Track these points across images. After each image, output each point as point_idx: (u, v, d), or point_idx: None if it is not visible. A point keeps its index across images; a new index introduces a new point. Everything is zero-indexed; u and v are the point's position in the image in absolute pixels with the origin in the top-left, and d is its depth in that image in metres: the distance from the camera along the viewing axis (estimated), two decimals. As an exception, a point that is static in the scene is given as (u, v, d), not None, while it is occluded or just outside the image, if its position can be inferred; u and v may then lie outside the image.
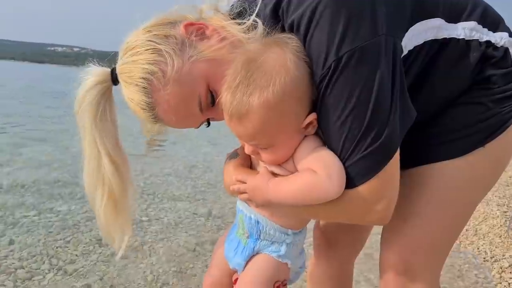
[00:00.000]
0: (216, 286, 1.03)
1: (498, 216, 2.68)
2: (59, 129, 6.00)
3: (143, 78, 0.80)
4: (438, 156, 0.87)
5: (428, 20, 0.81)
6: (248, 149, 0.83)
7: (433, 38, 0.82)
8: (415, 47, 0.80)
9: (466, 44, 0.83)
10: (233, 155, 0.94)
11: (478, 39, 0.84)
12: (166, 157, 4.84)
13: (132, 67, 0.82)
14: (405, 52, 0.79)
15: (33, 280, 1.97)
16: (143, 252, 2.34)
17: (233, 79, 0.75)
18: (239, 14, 0.86)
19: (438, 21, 0.82)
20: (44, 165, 3.98)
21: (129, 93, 0.83)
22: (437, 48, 0.82)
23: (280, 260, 0.90)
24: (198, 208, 3.11)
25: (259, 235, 0.91)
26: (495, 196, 3.03)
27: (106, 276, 2.06)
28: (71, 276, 2.03)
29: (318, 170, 0.75)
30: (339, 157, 0.76)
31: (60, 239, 2.41)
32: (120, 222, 0.92)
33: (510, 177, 3.60)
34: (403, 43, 0.77)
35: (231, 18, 0.87)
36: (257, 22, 0.83)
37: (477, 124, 0.85)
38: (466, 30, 0.83)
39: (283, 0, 0.78)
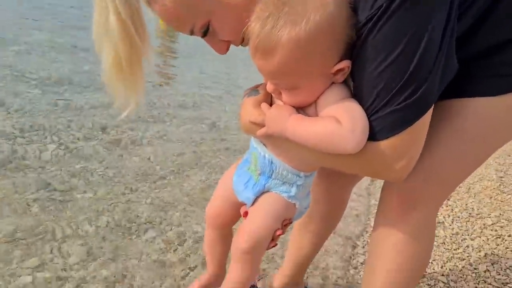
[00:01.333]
0: (220, 217, 1.05)
1: (494, 180, 2.70)
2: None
3: None
4: (476, 90, 0.80)
5: None
6: (269, 87, 0.79)
7: None
8: None
9: None
10: (253, 93, 0.90)
11: None
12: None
13: None
14: None
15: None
16: (142, 146, 2.39)
17: (264, 9, 0.68)
18: None
19: None
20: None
21: None
22: None
23: (290, 200, 0.91)
24: (203, 118, 3.12)
25: (271, 174, 0.90)
26: (495, 162, 3.04)
27: (105, 161, 2.11)
28: (71, 154, 2.08)
29: (343, 121, 0.71)
30: (368, 107, 0.71)
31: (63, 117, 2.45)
32: (123, 85, 0.85)
33: (513, 148, 3.58)
34: None
35: None
36: None
37: None
38: None
39: None
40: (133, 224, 1.65)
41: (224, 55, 0.90)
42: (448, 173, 0.86)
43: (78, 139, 2.26)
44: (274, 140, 0.86)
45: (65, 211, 1.62)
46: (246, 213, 0.95)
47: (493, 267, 1.82)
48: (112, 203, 1.74)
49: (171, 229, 1.67)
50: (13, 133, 2.13)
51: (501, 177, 2.76)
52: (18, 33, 4.08)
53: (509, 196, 2.50)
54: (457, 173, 0.88)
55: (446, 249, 1.99)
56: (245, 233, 0.90)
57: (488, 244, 2.01)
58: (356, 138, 0.71)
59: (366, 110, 0.72)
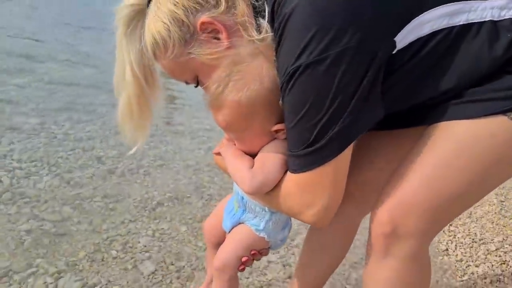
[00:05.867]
0: (214, 235, 1.19)
1: (494, 204, 2.68)
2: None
3: (152, 40, 0.88)
4: (454, 114, 0.79)
5: (439, 8, 0.74)
6: (226, 136, 0.99)
7: (444, 27, 0.75)
8: (419, 38, 0.75)
9: (495, 26, 0.75)
10: None
11: (510, 18, 0.76)
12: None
13: (152, 22, 0.87)
14: (401, 45, 0.75)
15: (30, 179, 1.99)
16: (139, 174, 2.35)
17: (219, 75, 0.85)
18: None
19: (454, 6, 0.75)
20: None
21: (145, 32, 0.90)
22: (452, 37, 0.76)
23: (257, 234, 1.03)
24: (200, 143, 3.10)
25: (245, 208, 1.03)
26: (495, 186, 3.02)
27: (100, 187, 2.08)
28: (68, 185, 2.04)
29: (255, 166, 0.88)
30: (287, 149, 0.84)
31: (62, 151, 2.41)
32: (133, 128, 0.99)
33: None
34: (398, 38, 0.73)
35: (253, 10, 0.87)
36: (263, 27, 0.85)
37: (506, 91, 0.76)
38: (495, 10, 0.75)
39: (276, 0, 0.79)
40: (129, 254, 1.60)
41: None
42: (429, 206, 0.81)
43: (75, 168, 2.23)
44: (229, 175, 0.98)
45: (60, 244, 1.58)
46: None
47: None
48: (109, 236, 1.70)
49: (172, 263, 1.62)
50: (10, 163, 2.10)
51: (502, 201, 2.74)
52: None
53: (511, 220, 2.48)
54: (441, 204, 0.82)
55: (452, 276, 1.94)
56: (218, 255, 1.07)
57: (493, 271, 1.97)
58: (253, 184, 0.86)
59: (287, 153, 0.85)
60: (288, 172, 0.85)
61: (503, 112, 0.76)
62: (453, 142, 0.79)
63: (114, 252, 1.60)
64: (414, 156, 0.83)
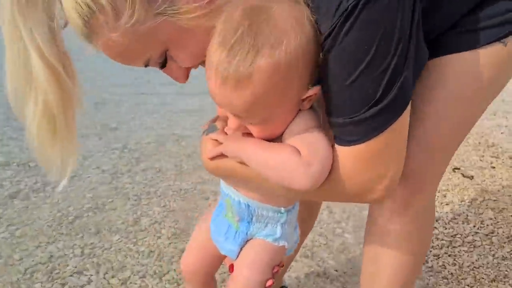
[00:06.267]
0: (199, 273, 0.94)
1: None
2: None
3: (89, 2, 0.57)
4: (454, 47, 0.74)
5: None
6: (234, 124, 0.68)
7: None
8: None
9: None
10: (211, 129, 0.80)
11: None
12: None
13: None
14: None
15: None
16: (46, 192, 2.02)
17: (232, 32, 0.58)
18: None
19: None
20: None
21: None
22: None
23: (277, 244, 0.82)
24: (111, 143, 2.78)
25: (251, 218, 0.82)
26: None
27: (3, 218, 1.73)
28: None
29: (303, 153, 0.65)
30: (340, 118, 0.64)
31: None
32: (59, 147, 0.69)
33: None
34: None
35: None
36: None
37: (500, 16, 0.72)
38: None
39: None
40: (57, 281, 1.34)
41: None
42: (444, 144, 0.79)
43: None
44: (242, 179, 0.76)
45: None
46: (232, 267, 0.83)
47: (438, 223, 1.90)
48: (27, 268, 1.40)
49: (113, 276, 1.42)
50: None
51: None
52: None
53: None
54: (452, 139, 0.81)
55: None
56: None
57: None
58: (311, 173, 0.64)
59: (337, 122, 0.65)
60: (340, 148, 0.66)
61: (499, 39, 0.72)
62: (456, 77, 0.75)
63: (38, 286, 1.32)
64: (423, 95, 0.76)
